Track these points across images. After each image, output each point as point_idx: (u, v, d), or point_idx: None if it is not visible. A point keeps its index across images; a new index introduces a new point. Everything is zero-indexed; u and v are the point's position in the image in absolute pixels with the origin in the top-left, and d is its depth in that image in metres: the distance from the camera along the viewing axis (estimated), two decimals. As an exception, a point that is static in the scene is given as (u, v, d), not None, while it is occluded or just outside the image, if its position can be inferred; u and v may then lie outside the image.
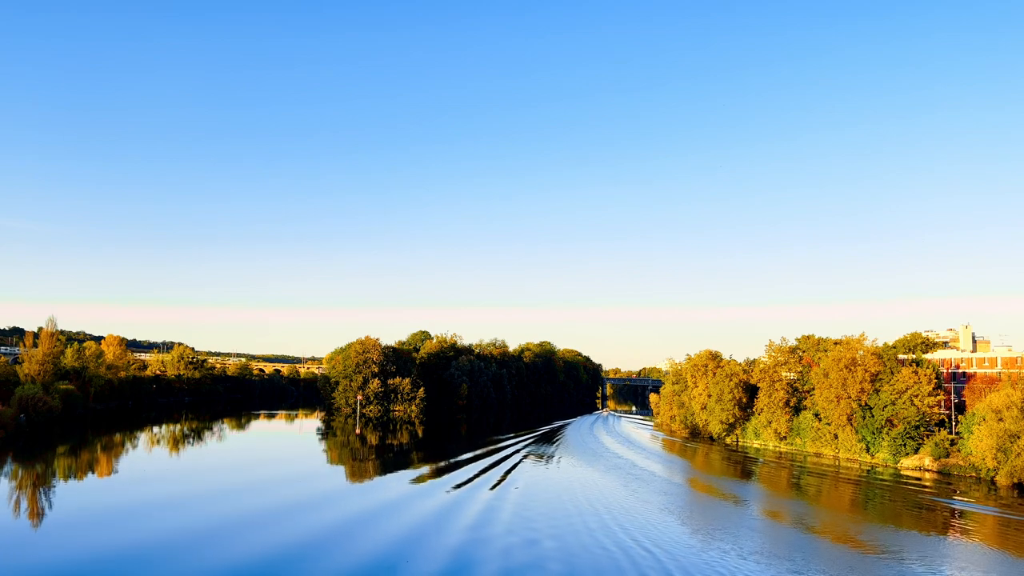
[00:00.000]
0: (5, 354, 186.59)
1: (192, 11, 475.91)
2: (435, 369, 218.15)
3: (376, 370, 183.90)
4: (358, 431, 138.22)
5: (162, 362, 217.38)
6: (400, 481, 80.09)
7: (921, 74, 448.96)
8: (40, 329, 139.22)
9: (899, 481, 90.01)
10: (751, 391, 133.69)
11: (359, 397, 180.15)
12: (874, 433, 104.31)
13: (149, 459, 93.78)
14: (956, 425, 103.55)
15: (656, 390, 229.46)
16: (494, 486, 75.88)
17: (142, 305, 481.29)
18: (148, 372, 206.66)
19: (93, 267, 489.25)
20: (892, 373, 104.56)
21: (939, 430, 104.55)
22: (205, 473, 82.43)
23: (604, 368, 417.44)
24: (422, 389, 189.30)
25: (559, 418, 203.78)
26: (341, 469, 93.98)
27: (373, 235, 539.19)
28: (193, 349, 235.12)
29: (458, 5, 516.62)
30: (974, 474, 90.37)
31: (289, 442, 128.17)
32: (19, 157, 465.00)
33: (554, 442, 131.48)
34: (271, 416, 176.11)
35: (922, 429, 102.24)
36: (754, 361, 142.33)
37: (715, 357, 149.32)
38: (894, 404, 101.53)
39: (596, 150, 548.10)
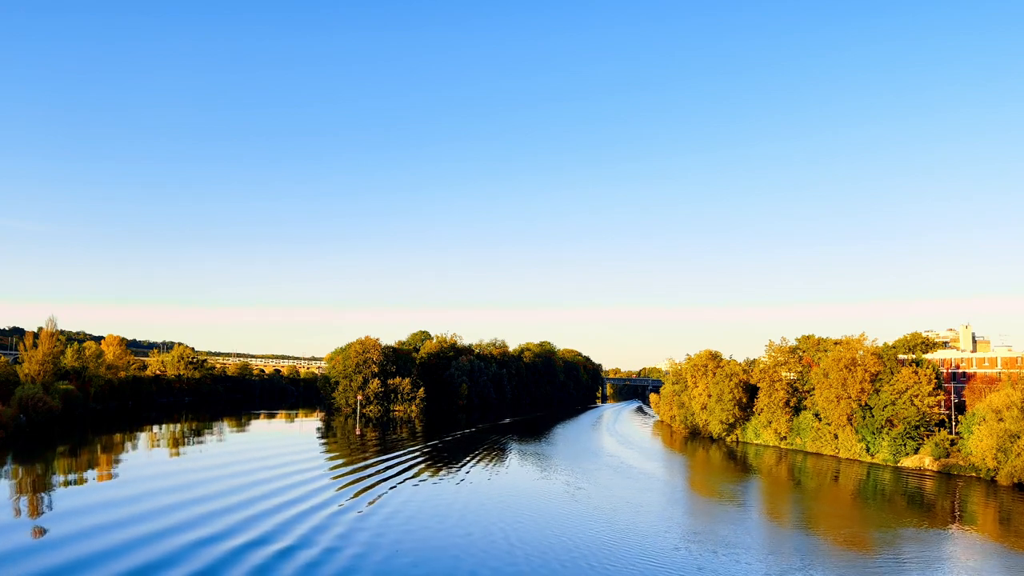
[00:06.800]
0: (5, 354, 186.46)
1: (192, 11, 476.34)
2: (435, 369, 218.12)
3: (376, 370, 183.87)
4: (358, 431, 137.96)
5: (162, 362, 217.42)
6: (397, 480, 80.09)
7: (921, 74, 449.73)
8: (40, 329, 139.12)
9: (899, 480, 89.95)
10: (751, 391, 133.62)
11: (359, 397, 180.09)
12: (874, 433, 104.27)
13: (149, 460, 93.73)
14: (956, 425, 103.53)
15: (656, 390, 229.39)
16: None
17: (142, 305, 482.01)
18: (148, 372, 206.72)
19: (93, 267, 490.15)
20: (892, 373, 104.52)
21: (939, 430, 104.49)
22: (204, 473, 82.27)
23: (604, 368, 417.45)
24: (422, 389, 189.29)
25: (566, 410, 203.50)
26: (340, 470, 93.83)
27: (374, 235, 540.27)
28: (193, 349, 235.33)
29: (461, 5, 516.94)
30: (974, 474, 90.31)
31: (289, 442, 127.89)
32: (19, 157, 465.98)
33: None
34: (271, 416, 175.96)
35: (922, 429, 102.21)
36: (754, 361, 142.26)
37: (715, 357, 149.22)
38: (894, 404, 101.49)
39: (596, 150, 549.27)
